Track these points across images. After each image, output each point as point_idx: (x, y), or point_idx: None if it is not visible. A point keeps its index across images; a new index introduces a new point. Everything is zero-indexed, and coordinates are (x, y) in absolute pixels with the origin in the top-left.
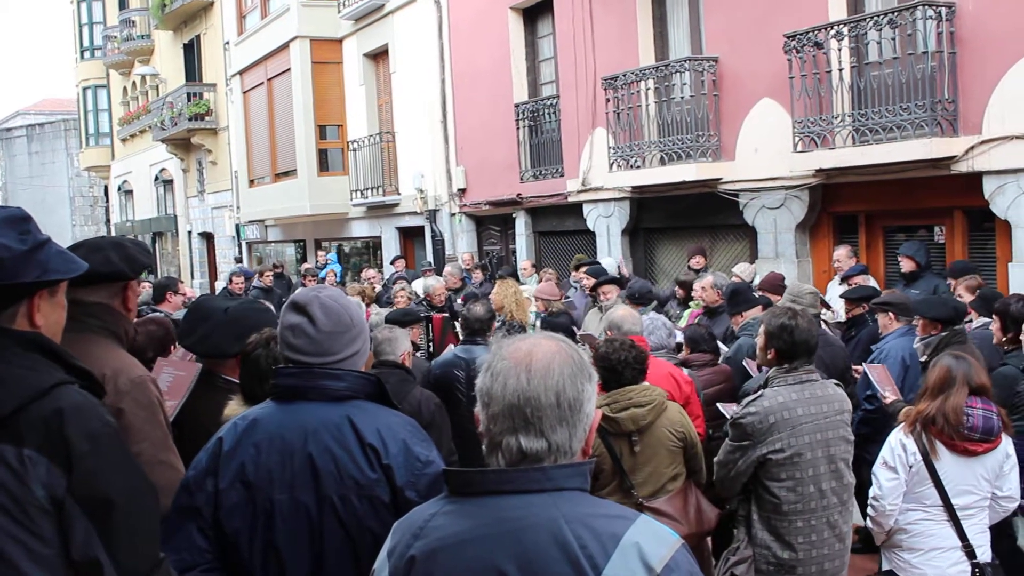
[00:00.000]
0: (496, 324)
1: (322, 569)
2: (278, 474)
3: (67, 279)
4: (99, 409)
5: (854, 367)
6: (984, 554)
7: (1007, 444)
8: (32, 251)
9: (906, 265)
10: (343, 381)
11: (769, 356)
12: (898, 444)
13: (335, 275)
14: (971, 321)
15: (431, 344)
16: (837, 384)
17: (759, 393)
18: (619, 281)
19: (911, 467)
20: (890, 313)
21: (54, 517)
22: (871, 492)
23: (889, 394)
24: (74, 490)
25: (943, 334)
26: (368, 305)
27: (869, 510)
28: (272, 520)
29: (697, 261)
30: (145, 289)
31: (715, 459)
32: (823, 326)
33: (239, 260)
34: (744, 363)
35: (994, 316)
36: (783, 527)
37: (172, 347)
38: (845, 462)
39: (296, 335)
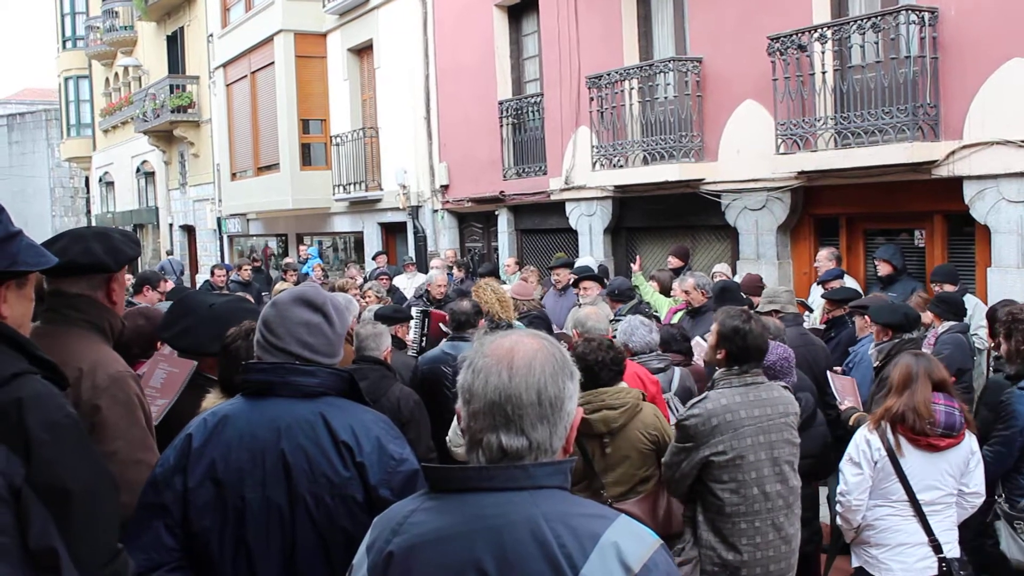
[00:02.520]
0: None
1: (293, 568)
2: (249, 472)
3: (36, 272)
4: (60, 399)
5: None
6: (951, 550)
7: (971, 440)
8: (2, 242)
9: (883, 269)
10: (316, 377)
11: (719, 356)
12: (863, 440)
13: (322, 269)
14: (933, 327)
15: (424, 339)
16: (784, 387)
17: (703, 395)
18: (599, 278)
19: (876, 463)
20: (866, 316)
21: (12, 506)
22: (838, 488)
23: (848, 402)
24: (32, 479)
25: (895, 341)
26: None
27: (837, 506)
28: (243, 519)
29: (671, 261)
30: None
31: (662, 460)
32: (804, 326)
33: (170, 253)
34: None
35: (987, 321)
36: (727, 528)
37: (159, 344)
38: (790, 464)
39: (313, 333)
